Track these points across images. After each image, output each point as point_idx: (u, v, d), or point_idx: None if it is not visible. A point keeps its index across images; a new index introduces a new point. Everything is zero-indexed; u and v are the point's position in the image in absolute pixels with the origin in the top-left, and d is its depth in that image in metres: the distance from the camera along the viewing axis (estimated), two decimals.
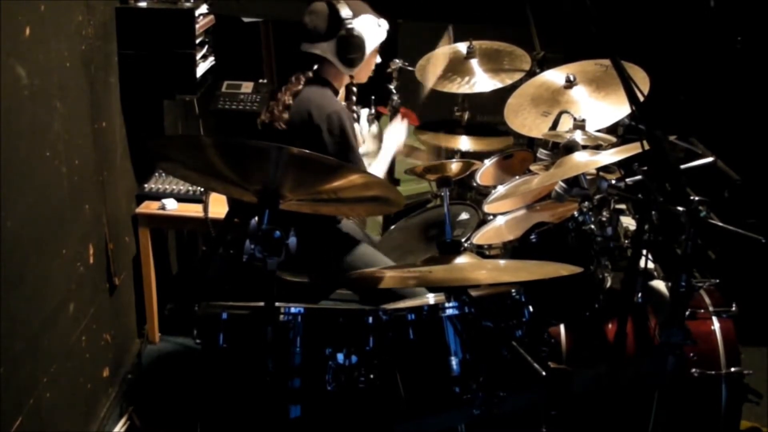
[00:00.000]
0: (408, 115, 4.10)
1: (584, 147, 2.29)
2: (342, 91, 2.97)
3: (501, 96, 3.00)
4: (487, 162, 3.01)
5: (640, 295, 2.27)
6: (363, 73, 2.78)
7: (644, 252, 2.12)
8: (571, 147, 2.29)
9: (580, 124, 2.37)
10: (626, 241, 2.51)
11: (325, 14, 2.61)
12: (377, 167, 2.84)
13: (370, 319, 2.08)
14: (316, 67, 2.70)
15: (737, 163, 3.20)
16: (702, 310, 2.49)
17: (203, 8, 3.33)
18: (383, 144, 2.93)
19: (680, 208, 1.79)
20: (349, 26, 2.59)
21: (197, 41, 3.22)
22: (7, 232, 2.21)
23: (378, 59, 2.81)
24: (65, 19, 2.62)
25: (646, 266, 2.19)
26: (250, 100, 3.58)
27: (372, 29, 2.66)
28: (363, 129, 3.03)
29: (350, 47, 2.61)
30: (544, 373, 2.06)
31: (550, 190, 2.34)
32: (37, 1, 2.39)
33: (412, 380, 2.05)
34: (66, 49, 2.60)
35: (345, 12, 2.59)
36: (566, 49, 3.75)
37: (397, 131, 2.98)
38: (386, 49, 2.79)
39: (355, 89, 2.90)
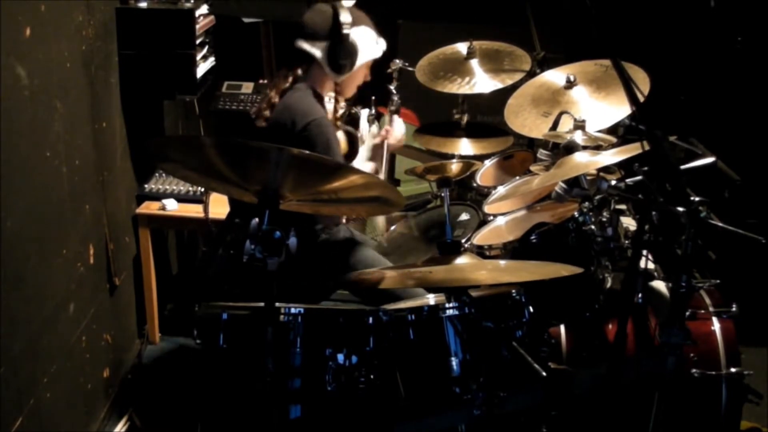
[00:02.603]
0: (408, 116, 4.12)
1: (584, 147, 2.29)
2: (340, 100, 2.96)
3: (501, 97, 3.00)
4: (487, 162, 3.01)
5: (640, 295, 2.28)
6: (348, 85, 2.75)
7: (644, 252, 2.12)
8: (571, 147, 2.29)
9: (580, 125, 2.37)
10: (626, 242, 2.51)
11: (326, 15, 2.60)
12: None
13: (371, 320, 2.08)
14: (304, 67, 2.66)
15: (737, 163, 3.21)
16: (702, 311, 2.49)
17: (203, 8, 3.33)
18: (378, 148, 2.91)
19: (680, 209, 1.79)
20: (346, 32, 2.57)
21: (197, 41, 3.22)
22: (7, 232, 2.21)
23: (368, 77, 2.78)
24: (65, 19, 2.62)
25: (647, 267, 2.19)
26: (251, 101, 3.57)
27: (368, 43, 2.64)
28: (363, 129, 3.03)
29: (342, 53, 2.59)
30: (544, 374, 2.06)
31: (551, 191, 2.34)
32: (37, 1, 2.39)
33: (412, 380, 2.05)
34: (66, 49, 2.60)
35: (345, 17, 2.58)
36: (566, 49, 3.75)
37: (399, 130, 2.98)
38: (386, 49, 2.78)
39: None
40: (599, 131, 2.48)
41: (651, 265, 2.61)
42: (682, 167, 2.02)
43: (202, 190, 3.23)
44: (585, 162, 2.22)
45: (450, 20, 4.24)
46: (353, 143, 2.85)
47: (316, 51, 2.60)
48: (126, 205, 3.24)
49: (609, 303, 2.43)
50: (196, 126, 3.91)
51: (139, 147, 3.26)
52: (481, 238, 2.74)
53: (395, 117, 3.06)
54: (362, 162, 2.91)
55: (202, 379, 2.16)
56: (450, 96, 3.32)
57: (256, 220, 1.75)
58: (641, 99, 1.86)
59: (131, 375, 3.25)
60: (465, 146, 3.41)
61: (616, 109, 2.66)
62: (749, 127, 3.83)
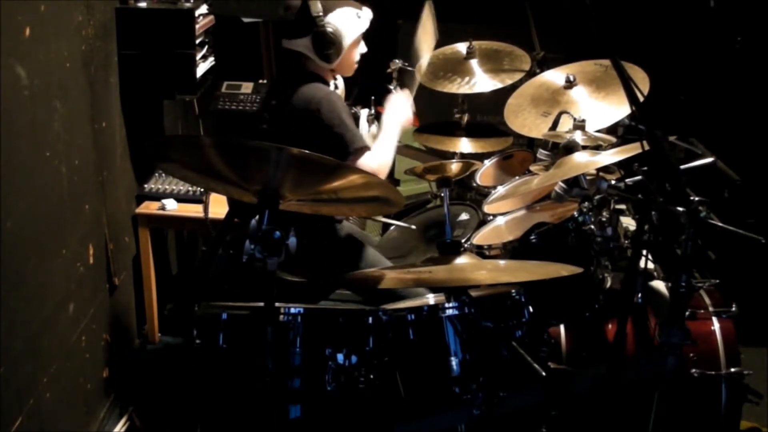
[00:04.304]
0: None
1: (584, 147, 2.29)
2: (342, 88, 2.96)
3: (501, 96, 3.00)
4: (487, 162, 3.01)
5: (640, 295, 2.28)
6: (345, 66, 2.72)
7: (644, 252, 2.12)
8: (570, 147, 2.29)
9: (579, 125, 2.37)
10: (626, 242, 2.51)
11: (299, 11, 2.59)
12: (381, 150, 2.64)
13: (370, 320, 2.08)
14: (301, 62, 2.66)
15: (737, 163, 3.21)
16: (702, 311, 2.50)
17: (203, 8, 3.33)
18: (383, 121, 2.74)
19: (680, 209, 1.79)
20: (322, 23, 2.56)
21: (197, 41, 3.22)
22: (7, 232, 2.21)
23: (363, 49, 2.76)
24: (65, 19, 2.62)
25: (646, 266, 2.19)
26: (250, 101, 3.58)
27: (349, 22, 2.61)
28: (363, 129, 3.02)
29: (325, 43, 2.58)
30: (544, 374, 2.06)
31: (550, 191, 2.34)
32: (37, 1, 2.39)
33: (412, 380, 2.05)
34: (66, 49, 2.60)
35: (316, 8, 2.55)
36: (566, 49, 3.75)
37: (398, 103, 2.77)
38: (386, 49, 2.77)
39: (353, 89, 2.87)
40: (599, 131, 2.48)
41: (651, 265, 2.61)
42: (682, 167, 2.02)
43: (202, 190, 3.23)
44: (585, 162, 2.22)
45: (450, 20, 4.23)
46: None
47: (302, 48, 2.60)
48: (126, 205, 3.24)
49: (609, 303, 2.43)
50: (195, 126, 3.91)
51: (139, 147, 3.26)
52: (480, 238, 2.74)
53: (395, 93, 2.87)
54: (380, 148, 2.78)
55: (202, 379, 2.16)
56: (450, 96, 3.32)
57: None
58: (641, 99, 1.86)
59: (131, 375, 3.24)
60: (465, 146, 3.41)
61: (615, 109, 2.67)
62: (749, 127, 3.83)
